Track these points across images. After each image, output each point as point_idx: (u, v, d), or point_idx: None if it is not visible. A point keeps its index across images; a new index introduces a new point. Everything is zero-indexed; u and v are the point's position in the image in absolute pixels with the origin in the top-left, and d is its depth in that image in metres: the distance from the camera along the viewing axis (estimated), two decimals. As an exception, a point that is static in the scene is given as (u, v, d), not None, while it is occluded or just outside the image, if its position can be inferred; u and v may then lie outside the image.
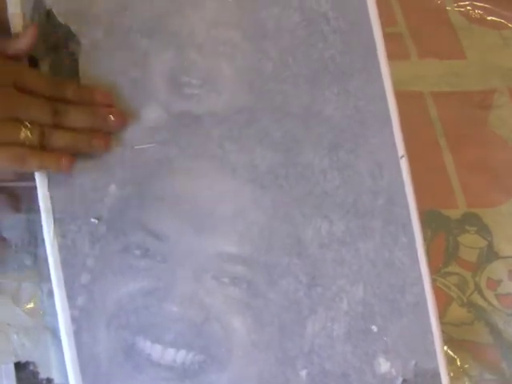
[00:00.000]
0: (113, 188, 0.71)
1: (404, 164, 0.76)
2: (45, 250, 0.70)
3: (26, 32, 0.68)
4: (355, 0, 0.77)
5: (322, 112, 0.75)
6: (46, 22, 0.71)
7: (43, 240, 0.70)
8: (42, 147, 0.66)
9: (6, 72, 0.65)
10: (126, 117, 0.71)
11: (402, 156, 0.76)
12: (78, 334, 0.69)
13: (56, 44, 0.71)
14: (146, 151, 0.72)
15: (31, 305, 0.75)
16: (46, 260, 0.70)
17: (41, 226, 0.70)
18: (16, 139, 0.64)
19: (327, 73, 0.76)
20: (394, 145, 0.76)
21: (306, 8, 0.76)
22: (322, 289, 0.73)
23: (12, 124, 0.64)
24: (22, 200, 0.77)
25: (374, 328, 0.74)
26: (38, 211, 0.70)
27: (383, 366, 0.74)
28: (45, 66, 0.71)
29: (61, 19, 0.71)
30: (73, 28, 0.71)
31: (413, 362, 0.74)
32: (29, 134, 0.64)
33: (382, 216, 0.75)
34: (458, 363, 0.83)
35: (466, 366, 0.83)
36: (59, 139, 0.67)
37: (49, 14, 0.71)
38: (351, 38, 0.77)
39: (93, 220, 0.70)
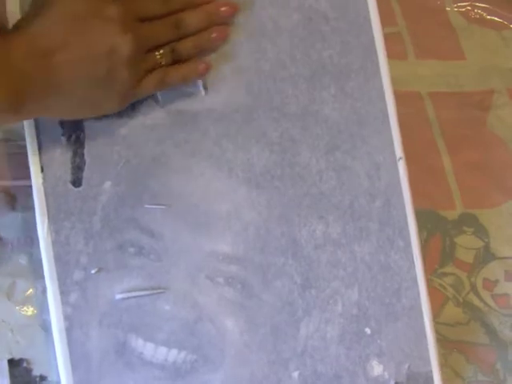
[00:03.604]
0: (108, 185, 0.70)
1: (402, 166, 0.76)
2: (40, 249, 0.70)
3: None
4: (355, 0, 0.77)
5: (320, 112, 0.75)
6: None
7: (39, 239, 0.70)
8: (176, 62, 0.72)
9: (127, 11, 0.67)
10: (233, 4, 0.74)
11: (400, 158, 0.75)
12: (70, 331, 0.69)
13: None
14: (143, 148, 0.72)
15: (26, 302, 0.75)
16: (41, 259, 0.70)
17: (36, 224, 0.70)
18: (155, 65, 0.70)
19: (325, 73, 0.76)
20: (391, 146, 0.76)
21: (305, 7, 0.76)
22: (316, 290, 0.73)
23: (148, 54, 0.70)
24: (17, 199, 0.77)
25: (368, 331, 0.73)
26: (33, 210, 0.70)
27: (376, 368, 0.73)
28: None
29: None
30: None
31: (406, 366, 0.74)
32: (163, 55, 0.70)
33: (379, 218, 0.75)
34: (452, 364, 0.83)
35: (460, 367, 0.83)
36: (186, 48, 0.72)
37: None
38: (350, 38, 0.76)
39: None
